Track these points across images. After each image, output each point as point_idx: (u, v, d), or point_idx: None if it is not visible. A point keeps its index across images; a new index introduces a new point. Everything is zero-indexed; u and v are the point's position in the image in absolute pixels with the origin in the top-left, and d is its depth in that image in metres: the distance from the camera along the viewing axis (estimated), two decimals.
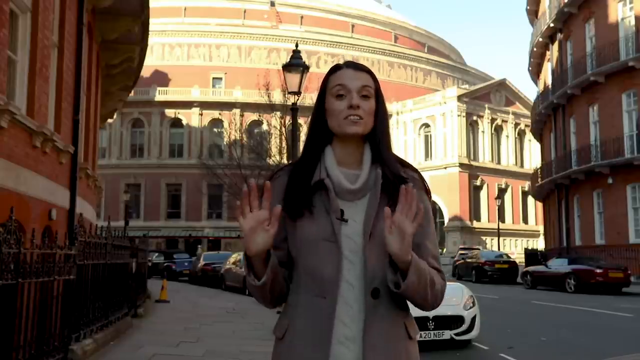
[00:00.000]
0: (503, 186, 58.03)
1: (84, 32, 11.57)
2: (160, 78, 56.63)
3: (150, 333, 9.40)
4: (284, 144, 34.92)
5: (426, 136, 58.92)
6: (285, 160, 32.19)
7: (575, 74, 29.27)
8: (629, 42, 25.85)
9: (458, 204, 54.74)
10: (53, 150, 9.72)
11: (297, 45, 13.38)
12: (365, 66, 1.76)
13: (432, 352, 7.51)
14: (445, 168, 55.72)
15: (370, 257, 1.61)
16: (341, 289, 1.61)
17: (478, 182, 56.82)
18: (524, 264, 29.50)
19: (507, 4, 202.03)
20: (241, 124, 49.73)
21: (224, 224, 52.43)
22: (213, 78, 58.99)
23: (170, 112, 55.49)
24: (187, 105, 55.36)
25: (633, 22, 25.90)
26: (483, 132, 58.39)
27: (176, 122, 55.86)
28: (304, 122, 22.73)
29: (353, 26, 66.92)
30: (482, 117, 58.06)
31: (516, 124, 60.58)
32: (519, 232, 57.85)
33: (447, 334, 8.09)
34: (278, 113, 35.25)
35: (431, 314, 7.72)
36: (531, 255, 30.60)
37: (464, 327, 8.25)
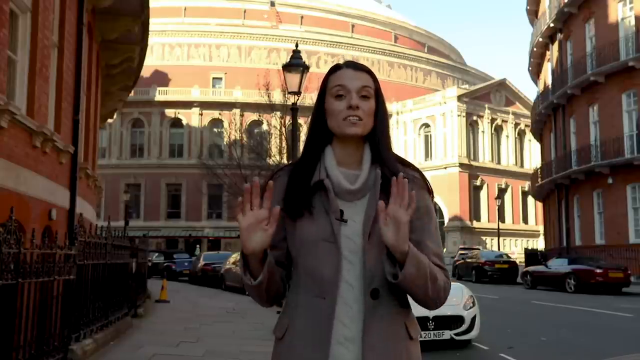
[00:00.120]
0: (503, 186, 58.05)
1: (84, 32, 11.57)
2: (160, 78, 56.63)
3: (150, 333, 9.39)
4: (284, 144, 34.87)
5: (426, 136, 58.94)
6: (285, 160, 32.15)
7: (575, 74, 29.27)
8: (629, 42, 25.85)
9: (458, 204, 54.75)
10: (53, 150, 9.72)
11: (297, 45, 13.40)
12: (365, 66, 1.75)
13: (432, 352, 7.50)
14: (445, 168, 55.73)
15: (370, 257, 1.61)
16: (340, 290, 1.60)
17: (478, 182, 56.83)
18: (524, 264, 29.50)
19: (507, 4, 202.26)
20: (241, 124, 49.70)
21: (224, 224, 52.44)
22: (213, 78, 59.00)
23: (170, 112, 55.51)
24: (187, 105, 55.38)
25: (633, 22, 25.89)
26: (483, 132, 58.40)
27: (176, 122, 55.88)
28: (304, 122, 22.73)
29: (353, 26, 66.93)
30: (482, 117, 58.08)
31: (516, 124, 60.60)
32: (519, 232, 57.87)
33: (447, 334, 8.09)
34: (278, 113, 35.22)
35: (431, 313, 7.74)
36: (531, 255, 30.59)
37: (464, 327, 8.25)
